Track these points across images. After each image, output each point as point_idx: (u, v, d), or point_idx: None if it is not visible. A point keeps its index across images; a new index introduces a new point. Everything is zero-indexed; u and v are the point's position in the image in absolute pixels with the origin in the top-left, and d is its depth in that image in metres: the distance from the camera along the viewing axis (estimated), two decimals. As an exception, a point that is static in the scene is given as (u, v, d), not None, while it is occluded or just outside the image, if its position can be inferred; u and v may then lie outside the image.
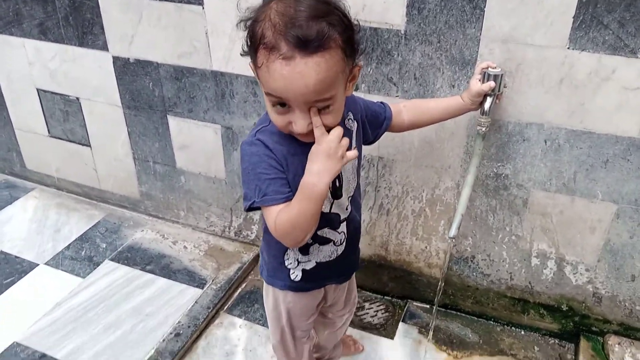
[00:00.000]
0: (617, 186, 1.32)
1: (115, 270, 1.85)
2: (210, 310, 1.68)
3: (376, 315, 1.73)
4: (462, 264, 1.61)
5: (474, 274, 1.61)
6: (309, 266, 1.12)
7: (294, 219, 0.93)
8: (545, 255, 1.49)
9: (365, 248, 1.72)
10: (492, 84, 1.16)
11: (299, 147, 0.95)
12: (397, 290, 1.76)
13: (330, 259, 1.12)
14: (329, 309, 1.31)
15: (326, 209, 1.05)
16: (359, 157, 1.09)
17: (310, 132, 0.90)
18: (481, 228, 1.52)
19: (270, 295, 1.21)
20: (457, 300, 1.69)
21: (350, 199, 1.09)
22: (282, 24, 0.82)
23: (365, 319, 1.71)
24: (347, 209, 1.09)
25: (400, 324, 1.67)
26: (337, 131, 0.90)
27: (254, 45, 0.86)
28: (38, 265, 1.88)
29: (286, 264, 1.12)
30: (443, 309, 1.71)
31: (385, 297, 1.78)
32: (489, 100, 1.19)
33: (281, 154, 0.95)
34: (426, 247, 1.63)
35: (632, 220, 1.35)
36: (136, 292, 1.76)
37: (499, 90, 1.18)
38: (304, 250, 1.10)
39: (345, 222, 1.10)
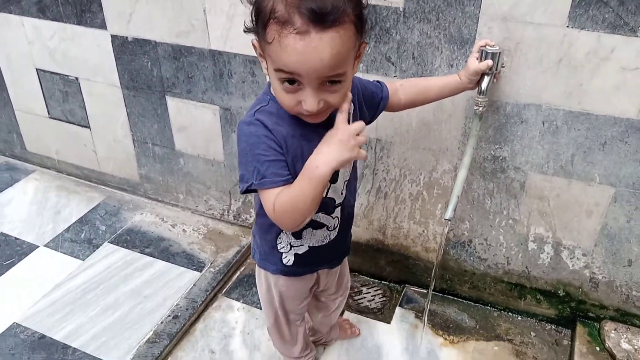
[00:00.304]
0: (615, 169, 1.30)
1: (115, 252, 1.86)
2: (208, 293, 1.69)
3: (373, 299, 1.73)
4: (459, 248, 1.60)
5: (471, 258, 1.60)
6: (301, 250, 1.11)
7: (293, 200, 0.90)
8: (542, 240, 1.48)
9: (363, 232, 1.71)
10: (489, 62, 1.14)
11: (299, 128, 0.94)
12: (395, 274, 1.75)
13: (323, 244, 1.12)
14: (321, 293, 1.32)
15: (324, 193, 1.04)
16: None
17: (320, 113, 0.89)
18: (478, 212, 1.51)
19: (263, 278, 1.21)
20: (454, 285, 1.68)
21: (345, 183, 1.08)
22: None
23: (362, 303, 1.71)
24: (342, 194, 1.08)
25: (397, 309, 1.67)
26: (359, 124, 0.88)
27: (263, 20, 0.83)
28: (38, 247, 1.88)
29: (278, 248, 1.11)
30: (440, 294, 1.71)
31: (383, 282, 1.78)
32: (486, 79, 1.17)
33: (281, 135, 0.93)
34: (423, 231, 1.62)
35: (629, 203, 1.34)
36: (135, 274, 1.76)
37: (496, 69, 1.17)
38: (297, 234, 1.09)
39: (340, 207, 1.10)
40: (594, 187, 1.35)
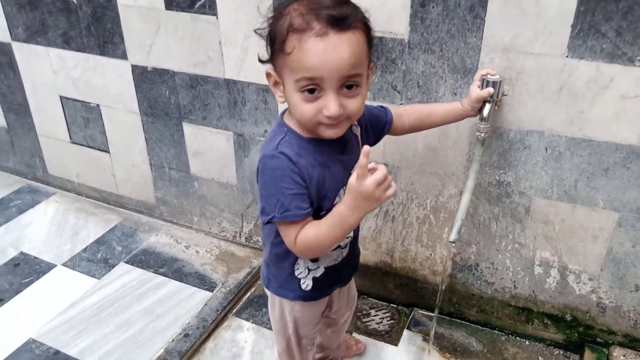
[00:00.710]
0: (618, 194, 1.33)
1: (130, 272, 1.91)
2: (219, 313, 1.72)
3: (381, 322, 1.74)
4: (466, 271, 1.62)
5: (478, 282, 1.62)
6: (318, 273, 1.14)
7: (321, 239, 0.96)
8: (548, 264, 1.49)
9: (371, 255, 1.74)
10: (490, 90, 1.19)
11: (319, 156, 0.99)
12: (403, 297, 1.77)
13: (337, 262, 1.15)
14: (332, 312, 1.34)
15: None
16: None
17: (340, 122, 0.94)
18: (484, 236, 1.53)
19: (277, 306, 1.22)
20: (462, 309, 1.69)
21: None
22: (312, 9, 0.87)
23: (370, 325, 1.73)
24: None
25: (405, 331, 1.69)
26: (381, 173, 0.89)
27: (282, 37, 0.89)
28: (56, 266, 1.95)
29: (296, 274, 1.13)
30: (448, 318, 1.72)
31: (392, 305, 1.80)
32: (487, 106, 1.22)
33: (304, 166, 0.97)
34: (431, 255, 1.64)
35: (634, 228, 1.35)
36: (148, 293, 1.81)
37: (497, 97, 1.21)
38: (314, 257, 1.12)
39: None
40: (598, 212, 1.37)
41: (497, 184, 1.44)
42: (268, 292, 1.23)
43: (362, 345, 1.61)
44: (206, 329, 1.67)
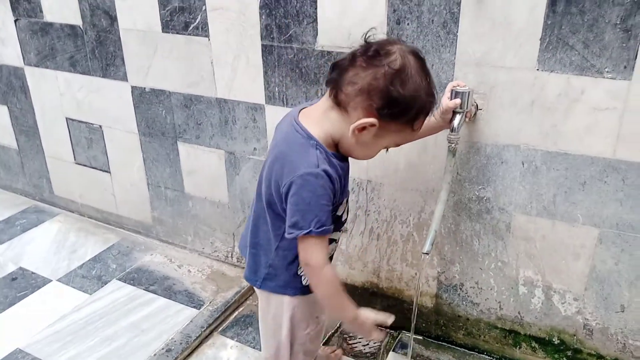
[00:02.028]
0: (597, 209, 1.31)
1: (121, 289, 1.93)
2: (203, 330, 1.72)
3: (368, 344, 1.71)
4: (451, 292, 1.59)
5: (464, 302, 1.59)
6: None
7: (334, 292, 1.11)
8: (532, 283, 1.46)
9: (358, 275, 1.73)
10: (457, 100, 1.21)
11: (340, 169, 1.07)
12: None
13: (330, 255, 1.22)
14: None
15: (340, 213, 1.16)
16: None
17: None
18: (467, 254, 1.52)
19: (274, 304, 1.24)
20: (449, 332, 1.66)
21: (347, 201, 1.21)
22: (431, 94, 1.03)
23: (356, 347, 1.70)
24: (347, 211, 1.21)
25: (391, 353, 1.65)
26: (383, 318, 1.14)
27: (413, 114, 1.01)
28: (51, 281, 1.98)
29: (299, 272, 1.18)
30: (435, 341, 1.68)
31: (380, 327, 1.76)
32: (457, 117, 1.23)
33: (337, 180, 1.05)
34: (416, 274, 1.63)
35: (615, 245, 1.32)
36: (136, 309, 1.82)
37: (466, 108, 1.23)
38: None
39: (344, 224, 1.22)
40: (578, 228, 1.35)
41: (477, 199, 1.44)
42: (263, 293, 1.25)
43: (339, 352, 1.62)
44: (189, 345, 1.66)
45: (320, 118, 1.06)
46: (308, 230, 1.02)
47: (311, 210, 1.01)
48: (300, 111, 1.10)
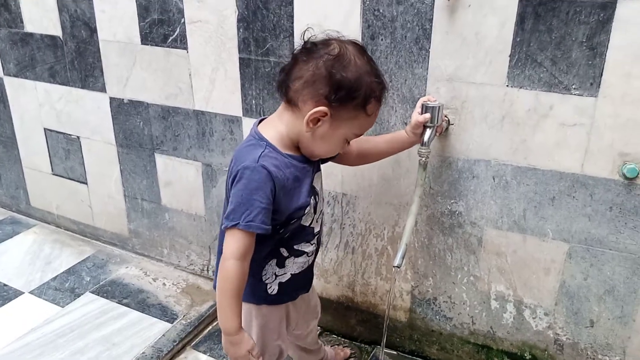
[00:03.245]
0: (566, 224, 1.32)
1: (94, 301, 1.90)
2: (175, 344, 1.70)
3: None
4: (424, 306, 1.59)
5: (437, 317, 1.59)
6: (284, 279, 1.19)
7: (229, 287, 1.04)
8: (503, 298, 1.47)
9: (333, 289, 1.73)
10: (427, 115, 1.22)
11: (294, 171, 1.07)
12: (366, 334, 1.74)
13: (303, 269, 1.21)
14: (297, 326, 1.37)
15: (307, 223, 1.15)
16: (321, 175, 1.21)
17: None
18: (440, 268, 1.52)
19: (243, 314, 1.21)
20: (423, 347, 1.65)
21: (321, 213, 1.21)
22: (379, 76, 1.05)
23: (330, 362, 1.68)
24: (318, 223, 1.20)
25: (364, 368, 1.65)
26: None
27: (366, 98, 1.02)
28: (23, 293, 1.95)
29: (264, 279, 1.17)
30: (409, 356, 1.68)
31: (354, 342, 1.76)
32: (428, 131, 1.25)
33: (280, 180, 1.03)
34: (390, 288, 1.63)
35: (584, 260, 1.34)
36: (108, 322, 1.80)
37: (437, 122, 1.24)
38: (281, 263, 1.17)
39: (317, 236, 1.21)
40: (549, 243, 1.36)
41: (450, 213, 1.45)
42: None
43: (348, 351, 1.65)
44: (160, 359, 1.64)
45: (274, 121, 1.09)
46: (235, 223, 1.01)
47: (243, 204, 1.01)
48: (261, 121, 1.13)
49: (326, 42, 1.03)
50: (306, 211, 1.12)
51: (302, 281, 1.26)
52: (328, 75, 0.99)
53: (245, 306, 1.21)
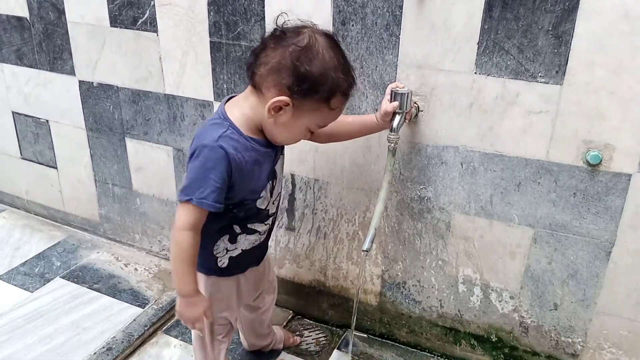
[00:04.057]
0: (532, 210, 1.35)
1: (64, 287, 1.89)
2: (147, 329, 1.70)
3: (313, 342, 1.72)
4: (394, 290, 1.62)
5: (406, 300, 1.61)
6: (235, 253, 1.22)
7: (180, 257, 1.09)
8: (471, 282, 1.50)
9: (305, 273, 1.74)
10: (395, 104, 1.23)
11: (254, 155, 1.08)
12: (337, 318, 1.76)
13: (253, 246, 1.23)
14: (252, 300, 1.40)
15: (263, 206, 1.16)
16: (283, 159, 1.23)
17: None
18: (410, 252, 1.54)
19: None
20: (393, 330, 1.68)
21: (278, 196, 1.22)
22: (347, 73, 1.05)
23: (301, 346, 1.70)
24: (275, 205, 1.22)
25: (335, 351, 1.66)
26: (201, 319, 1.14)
27: (329, 92, 1.02)
28: (-9, 278, 1.93)
29: (215, 253, 1.20)
30: (379, 339, 1.70)
31: (326, 326, 1.78)
32: (397, 117, 1.25)
33: (237, 163, 1.04)
34: (360, 272, 1.64)
35: (548, 245, 1.37)
36: (78, 307, 1.78)
37: (406, 109, 1.25)
38: (233, 239, 1.19)
39: (272, 217, 1.23)
40: (514, 228, 1.39)
41: (419, 199, 1.47)
42: None
43: (298, 338, 1.67)
44: (131, 343, 1.63)
45: (240, 102, 1.09)
46: (189, 198, 1.03)
47: (198, 180, 1.03)
48: (228, 99, 1.13)
49: (297, 31, 1.03)
50: (262, 195, 1.14)
51: (252, 257, 1.29)
52: (292, 67, 0.99)
53: (199, 277, 1.22)
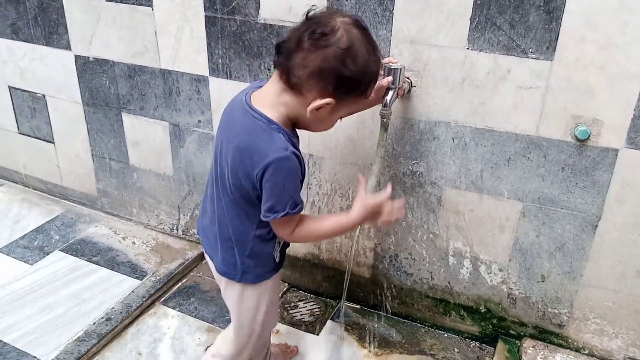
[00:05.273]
0: (521, 184, 1.38)
1: (63, 259, 1.92)
2: (145, 300, 1.74)
3: (308, 313, 1.76)
4: (386, 262, 1.65)
5: (398, 273, 1.65)
6: (281, 241, 1.20)
7: (320, 234, 1.15)
8: (461, 254, 1.54)
9: (300, 247, 1.78)
10: (389, 79, 1.24)
11: (297, 146, 1.08)
12: (331, 290, 1.80)
13: None
14: None
15: None
16: None
17: None
18: (401, 226, 1.57)
19: (249, 296, 1.22)
20: (385, 301, 1.72)
21: None
22: (377, 60, 1.05)
23: (296, 316, 1.74)
24: None
25: (329, 322, 1.71)
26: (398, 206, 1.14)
27: (367, 83, 1.04)
28: (-10, 251, 1.96)
29: (273, 253, 1.19)
30: (372, 310, 1.75)
31: (320, 297, 1.82)
32: (390, 93, 1.27)
33: (302, 160, 1.06)
34: (352, 245, 1.68)
35: (537, 218, 1.40)
36: (77, 280, 1.82)
37: (398, 84, 1.27)
38: None
39: None
40: (504, 202, 1.42)
41: (411, 174, 1.49)
42: (236, 286, 1.21)
43: (295, 348, 1.60)
44: (130, 314, 1.68)
45: (274, 101, 1.05)
46: (284, 213, 1.04)
47: (286, 194, 1.03)
48: (250, 95, 1.08)
49: (333, 29, 0.98)
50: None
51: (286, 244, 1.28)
52: (337, 70, 0.98)
53: (256, 288, 1.21)
